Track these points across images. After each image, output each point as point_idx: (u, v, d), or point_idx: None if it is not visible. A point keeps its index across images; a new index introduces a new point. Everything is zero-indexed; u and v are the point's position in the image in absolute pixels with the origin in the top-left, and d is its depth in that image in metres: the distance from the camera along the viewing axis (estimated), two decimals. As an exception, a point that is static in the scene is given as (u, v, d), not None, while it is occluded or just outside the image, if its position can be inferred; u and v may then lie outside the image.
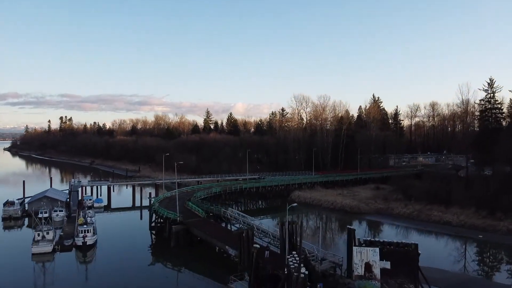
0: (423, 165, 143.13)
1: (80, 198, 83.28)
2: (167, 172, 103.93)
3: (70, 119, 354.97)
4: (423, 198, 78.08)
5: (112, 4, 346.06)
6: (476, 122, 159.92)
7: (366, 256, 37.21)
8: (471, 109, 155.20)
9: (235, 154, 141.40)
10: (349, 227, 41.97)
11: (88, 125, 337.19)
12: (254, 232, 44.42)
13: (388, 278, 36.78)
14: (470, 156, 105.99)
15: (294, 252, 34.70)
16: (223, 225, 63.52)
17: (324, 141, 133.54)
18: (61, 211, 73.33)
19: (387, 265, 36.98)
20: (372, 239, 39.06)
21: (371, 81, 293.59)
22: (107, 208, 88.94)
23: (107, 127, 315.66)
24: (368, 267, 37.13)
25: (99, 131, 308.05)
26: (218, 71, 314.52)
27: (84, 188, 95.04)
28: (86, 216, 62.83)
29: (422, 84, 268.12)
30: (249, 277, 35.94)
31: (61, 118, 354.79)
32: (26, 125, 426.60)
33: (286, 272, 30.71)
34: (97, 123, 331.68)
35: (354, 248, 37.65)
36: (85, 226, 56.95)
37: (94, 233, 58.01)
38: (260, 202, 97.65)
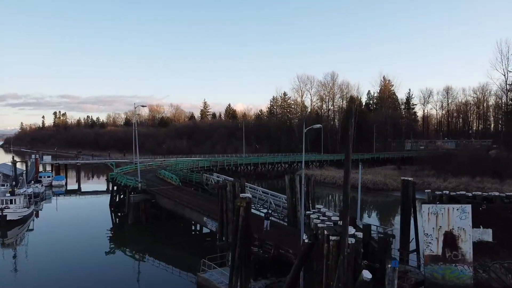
0: (443, 149, 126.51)
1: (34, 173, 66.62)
2: (154, 156, 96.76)
3: (64, 114, 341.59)
4: (465, 172, 61.90)
5: (112, 5, 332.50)
6: (491, 110, 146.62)
7: (447, 221, 20.45)
8: (487, 96, 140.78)
9: (231, 136, 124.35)
10: (404, 178, 25.19)
11: (82, 120, 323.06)
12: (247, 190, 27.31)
13: (488, 259, 20.12)
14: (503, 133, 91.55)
15: (320, 207, 18.15)
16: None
17: (332, 121, 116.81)
18: (3, 185, 56.76)
19: (487, 235, 20.30)
20: (454, 193, 22.34)
21: (378, 64, 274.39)
22: (77, 191, 72.92)
23: (101, 120, 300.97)
24: (450, 240, 20.38)
25: (92, 124, 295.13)
26: (218, 72, 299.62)
27: (52, 169, 79.54)
28: (25, 187, 46.33)
29: (435, 67, 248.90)
30: (232, 255, 19.28)
31: (54, 113, 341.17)
32: (21, 122, 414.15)
33: (308, 240, 13.95)
34: (90, 117, 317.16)
35: (425, 208, 20.80)
36: (8, 195, 40.29)
37: (25, 207, 41.44)
38: (259, 184, 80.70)
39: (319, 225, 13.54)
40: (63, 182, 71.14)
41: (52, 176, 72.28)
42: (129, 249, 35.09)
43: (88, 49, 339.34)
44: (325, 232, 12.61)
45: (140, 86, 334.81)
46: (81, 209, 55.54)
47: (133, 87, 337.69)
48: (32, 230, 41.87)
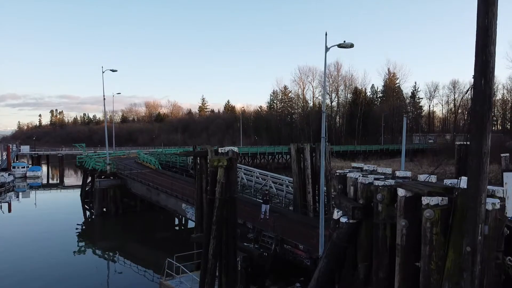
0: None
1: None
2: (144, 148, 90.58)
3: (61, 113, 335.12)
4: (493, 158, 54.50)
5: (111, 5, 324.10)
6: (497, 106, 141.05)
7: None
8: (494, 91, 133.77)
9: (228, 128, 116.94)
10: (460, 142, 17.83)
11: (79, 118, 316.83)
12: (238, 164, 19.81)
13: None
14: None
15: (360, 165, 10.97)
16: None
17: (337, 112, 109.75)
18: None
19: None
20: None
21: (384, 55, 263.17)
22: (58, 185, 65.55)
23: (98, 118, 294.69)
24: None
25: (88, 122, 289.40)
26: (216, 72, 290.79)
27: (32, 161, 72.29)
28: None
29: (441, 59, 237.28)
30: (204, 251, 11.86)
31: (51, 111, 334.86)
32: (19, 121, 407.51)
33: (349, 220, 6.42)
34: (87, 115, 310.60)
35: (508, 177, 13.35)
36: None
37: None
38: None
39: (377, 183, 6.07)
40: (39, 173, 63.60)
41: (28, 167, 64.84)
42: (91, 249, 27.89)
43: (87, 49, 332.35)
44: (404, 192, 5.15)
45: (139, 86, 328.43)
46: (56, 202, 48.29)
47: (132, 87, 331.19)
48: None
